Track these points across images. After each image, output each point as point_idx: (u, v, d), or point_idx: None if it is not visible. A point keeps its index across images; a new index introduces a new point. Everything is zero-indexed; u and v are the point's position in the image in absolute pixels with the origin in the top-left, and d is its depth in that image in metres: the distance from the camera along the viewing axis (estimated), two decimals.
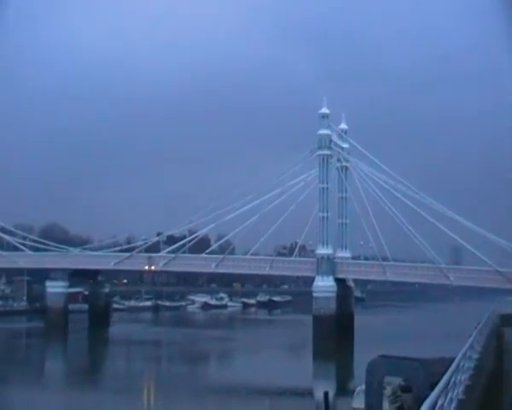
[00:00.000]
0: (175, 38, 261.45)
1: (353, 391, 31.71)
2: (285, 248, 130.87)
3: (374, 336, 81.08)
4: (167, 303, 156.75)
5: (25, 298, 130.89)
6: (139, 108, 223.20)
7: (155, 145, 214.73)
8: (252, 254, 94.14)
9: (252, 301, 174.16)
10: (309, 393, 51.81)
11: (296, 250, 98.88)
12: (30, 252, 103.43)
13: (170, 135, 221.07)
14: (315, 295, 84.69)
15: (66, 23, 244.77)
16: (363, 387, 27.21)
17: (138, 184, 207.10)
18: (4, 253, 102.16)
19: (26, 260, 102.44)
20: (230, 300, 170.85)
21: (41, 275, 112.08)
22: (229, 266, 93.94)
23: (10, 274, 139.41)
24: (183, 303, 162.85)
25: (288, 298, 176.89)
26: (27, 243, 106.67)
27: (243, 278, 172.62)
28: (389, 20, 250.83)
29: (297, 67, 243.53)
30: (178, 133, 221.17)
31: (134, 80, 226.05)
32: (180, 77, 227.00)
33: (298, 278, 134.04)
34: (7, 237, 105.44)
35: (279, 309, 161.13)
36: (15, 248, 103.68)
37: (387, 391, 21.10)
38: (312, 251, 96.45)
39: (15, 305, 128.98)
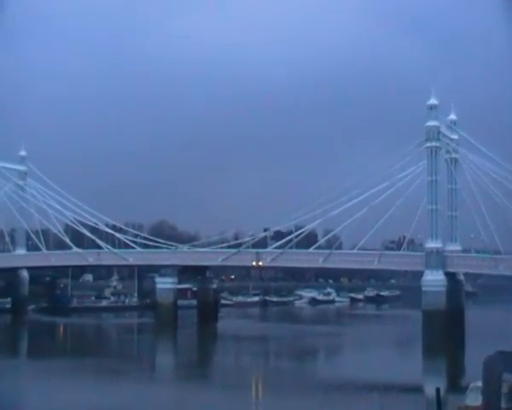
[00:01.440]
0: (283, 31, 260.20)
1: (466, 388, 30.77)
2: (393, 242, 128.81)
3: (486, 331, 78.96)
4: (275, 298, 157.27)
5: (136, 294, 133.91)
6: (246, 104, 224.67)
7: (263, 140, 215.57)
8: (359, 249, 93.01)
9: (359, 295, 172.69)
10: (419, 389, 50.86)
11: (404, 244, 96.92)
12: (140, 249, 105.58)
13: (277, 129, 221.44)
14: (424, 289, 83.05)
15: (178, 24, 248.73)
16: (478, 384, 26.26)
17: (245, 179, 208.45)
18: (116, 250, 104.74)
19: (136, 257, 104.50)
20: (338, 295, 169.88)
21: (151, 272, 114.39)
22: (337, 260, 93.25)
23: (122, 271, 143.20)
24: (291, 298, 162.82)
25: (397, 293, 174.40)
26: (138, 240, 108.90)
27: (351, 273, 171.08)
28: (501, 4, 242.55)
29: (404, 57, 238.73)
30: (285, 127, 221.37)
31: (244, 76, 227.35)
32: (289, 70, 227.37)
33: (406, 272, 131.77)
34: (118, 235, 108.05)
35: (387, 304, 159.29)
36: (126, 246, 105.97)
37: (504, 389, 20.27)
38: (421, 245, 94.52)
39: (127, 301, 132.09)
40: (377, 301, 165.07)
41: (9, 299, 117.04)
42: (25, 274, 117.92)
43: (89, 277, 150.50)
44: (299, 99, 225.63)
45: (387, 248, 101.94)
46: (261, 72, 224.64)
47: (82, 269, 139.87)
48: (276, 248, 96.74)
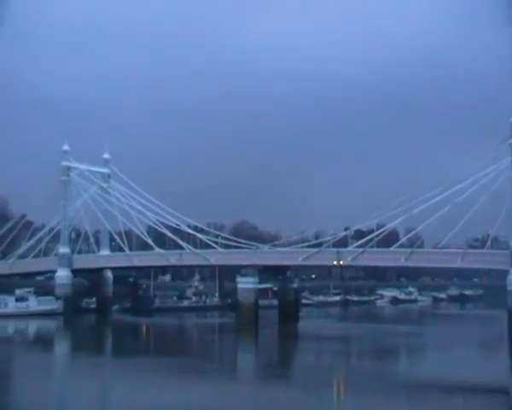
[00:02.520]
0: (362, 28, 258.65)
1: None
2: (476, 240, 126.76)
3: None
4: (356, 298, 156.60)
5: (217, 294, 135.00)
6: (325, 102, 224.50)
7: (343, 138, 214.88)
8: (441, 247, 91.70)
9: (442, 295, 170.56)
10: (505, 391, 49.67)
11: (488, 242, 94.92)
12: (221, 249, 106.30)
13: (358, 127, 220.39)
14: (509, 288, 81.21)
15: (254, 24, 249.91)
16: None
17: (326, 178, 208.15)
18: (197, 250, 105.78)
19: (217, 257, 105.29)
20: (420, 294, 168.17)
21: (232, 272, 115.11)
22: (419, 259, 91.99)
23: (203, 271, 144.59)
24: (372, 298, 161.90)
25: (480, 292, 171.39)
26: (219, 240, 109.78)
27: (433, 272, 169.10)
28: None
29: (487, 51, 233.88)
30: (366, 125, 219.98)
31: (322, 74, 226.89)
32: (367, 67, 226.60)
33: (490, 270, 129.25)
34: (200, 236, 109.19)
35: (471, 303, 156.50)
36: (208, 246, 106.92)
37: None
38: (506, 243, 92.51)
39: (208, 301, 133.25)
40: (460, 300, 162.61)
41: (94, 299, 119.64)
42: (109, 275, 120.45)
43: (167, 277, 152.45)
44: (378, 96, 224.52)
45: (471, 247, 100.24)
46: (339, 69, 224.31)
47: (163, 270, 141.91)
48: (356, 247, 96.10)
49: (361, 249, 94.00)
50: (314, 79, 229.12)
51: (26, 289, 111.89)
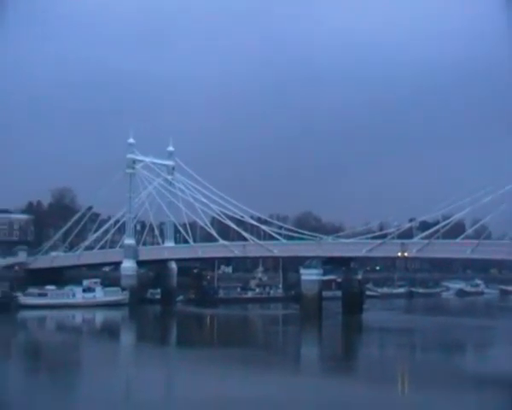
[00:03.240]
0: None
1: None
2: None
3: None
4: (421, 290, 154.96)
5: (280, 286, 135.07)
6: (390, 92, 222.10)
7: (414, 129, 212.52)
8: (509, 239, 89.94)
9: (510, 287, 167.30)
10: None
11: None
12: (284, 241, 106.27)
13: (424, 116, 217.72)
14: None
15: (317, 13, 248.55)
16: None
17: (391, 169, 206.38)
18: (261, 242, 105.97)
19: (281, 248, 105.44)
20: (487, 286, 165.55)
21: (295, 263, 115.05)
22: (485, 251, 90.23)
23: (266, 263, 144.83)
24: (437, 290, 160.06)
25: None
26: (282, 232, 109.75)
27: (500, 264, 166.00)
28: None
29: None
30: (433, 113, 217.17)
31: (388, 60, 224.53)
32: (436, 52, 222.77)
33: None
34: (263, 227, 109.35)
35: None
36: (271, 238, 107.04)
37: None
38: None
39: (272, 292, 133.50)
40: None
41: (159, 290, 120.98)
42: (173, 266, 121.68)
43: (228, 269, 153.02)
44: (444, 84, 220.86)
45: None
46: (403, 55, 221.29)
47: (227, 261, 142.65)
48: (422, 238, 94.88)
49: (426, 241, 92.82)
50: (380, 66, 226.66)
51: (93, 280, 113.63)
